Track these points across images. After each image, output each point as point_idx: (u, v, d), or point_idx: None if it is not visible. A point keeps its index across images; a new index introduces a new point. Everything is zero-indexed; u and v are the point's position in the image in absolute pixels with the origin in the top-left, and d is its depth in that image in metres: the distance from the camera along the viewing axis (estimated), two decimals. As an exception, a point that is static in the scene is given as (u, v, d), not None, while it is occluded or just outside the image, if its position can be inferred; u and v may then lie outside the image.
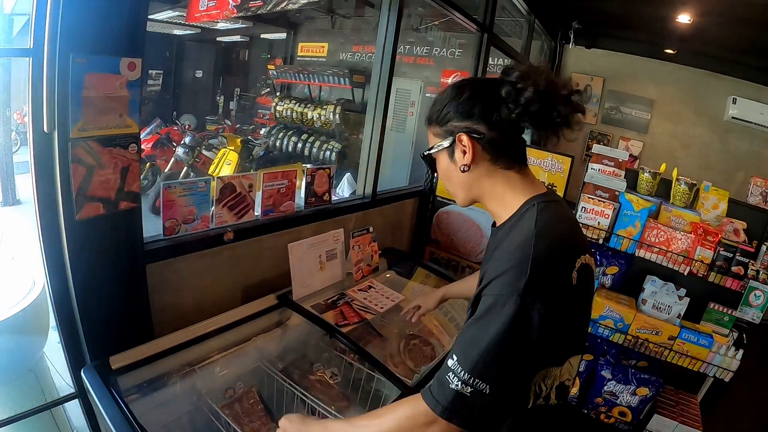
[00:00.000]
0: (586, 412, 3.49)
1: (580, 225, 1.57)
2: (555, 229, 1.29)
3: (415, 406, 1.26)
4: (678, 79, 6.71)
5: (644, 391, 3.25)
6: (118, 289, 1.95)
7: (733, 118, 6.33)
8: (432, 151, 1.46)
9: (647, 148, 7.09)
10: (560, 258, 1.25)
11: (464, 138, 1.34)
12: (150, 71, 14.87)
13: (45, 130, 1.62)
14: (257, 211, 2.59)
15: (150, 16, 11.77)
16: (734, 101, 6.29)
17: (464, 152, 1.36)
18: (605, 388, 3.38)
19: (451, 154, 1.41)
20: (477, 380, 1.15)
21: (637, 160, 6.86)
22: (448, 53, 8.82)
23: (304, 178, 2.84)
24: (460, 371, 1.17)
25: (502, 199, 1.39)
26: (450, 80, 8.00)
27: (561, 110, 1.30)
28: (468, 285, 2.37)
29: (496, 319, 1.15)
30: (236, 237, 2.43)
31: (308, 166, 2.90)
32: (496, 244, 1.36)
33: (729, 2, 4.32)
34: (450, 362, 1.20)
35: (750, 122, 6.29)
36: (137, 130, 1.83)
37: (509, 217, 1.37)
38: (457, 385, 1.17)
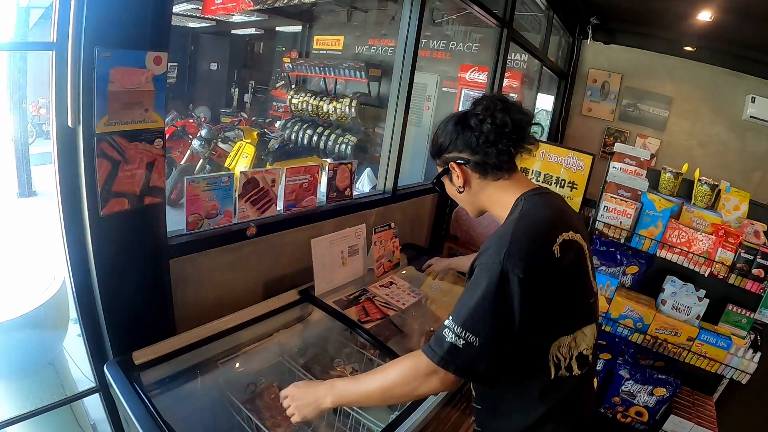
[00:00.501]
0: (602, 411, 3.48)
1: (573, 211, 1.74)
2: (535, 213, 1.51)
3: (416, 360, 1.44)
4: (696, 76, 6.59)
5: (661, 391, 3.23)
6: (141, 285, 1.94)
7: (751, 117, 6.22)
8: (437, 179, 1.74)
9: (664, 146, 6.98)
10: (538, 233, 1.45)
11: (455, 166, 1.61)
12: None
13: (69, 124, 1.61)
14: (279, 206, 2.58)
15: None
16: (753, 100, 6.19)
17: (457, 176, 1.63)
18: (623, 387, 3.36)
19: (450, 179, 1.68)
20: (467, 333, 1.34)
21: (655, 158, 6.78)
22: (465, 48, 8.71)
23: (326, 173, 2.83)
24: (454, 326, 1.36)
25: (500, 204, 1.61)
26: (468, 75, 7.98)
27: (511, 139, 1.55)
28: (469, 259, 2.59)
29: (482, 282, 1.36)
30: (258, 232, 2.41)
31: (329, 160, 2.87)
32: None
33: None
34: (446, 321, 1.39)
35: None
36: (163, 125, 1.82)
37: (507, 215, 1.59)
38: (451, 338, 1.35)
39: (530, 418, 1.51)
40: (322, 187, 2.85)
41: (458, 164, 1.61)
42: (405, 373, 1.46)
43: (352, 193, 3.02)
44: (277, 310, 2.35)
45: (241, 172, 2.30)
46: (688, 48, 6.38)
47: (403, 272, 3.09)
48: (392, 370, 1.49)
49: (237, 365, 2.19)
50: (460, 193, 1.66)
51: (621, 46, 6.97)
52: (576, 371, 1.51)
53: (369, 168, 6.70)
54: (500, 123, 1.53)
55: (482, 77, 7.64)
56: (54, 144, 1.65)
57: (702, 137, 6.71)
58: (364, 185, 5.94)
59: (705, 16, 4.89)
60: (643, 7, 5.46)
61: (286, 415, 1.64)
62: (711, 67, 6.45)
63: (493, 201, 1.63)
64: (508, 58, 4.90)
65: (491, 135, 1.53)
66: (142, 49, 1.69)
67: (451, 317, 1.38)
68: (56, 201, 1.71)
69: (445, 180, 1.71)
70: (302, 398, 1.61)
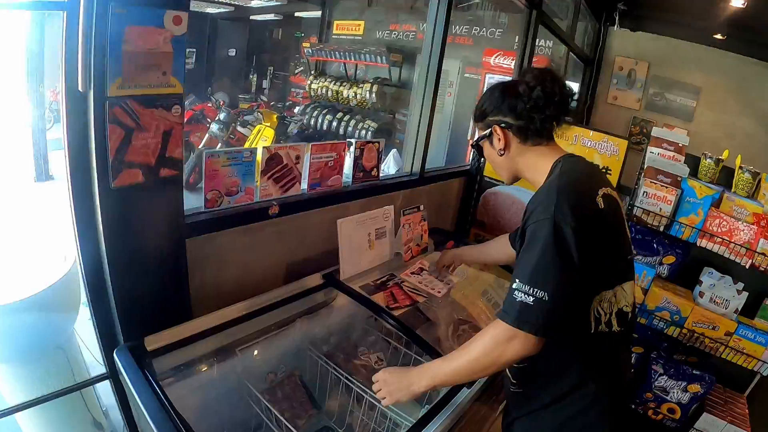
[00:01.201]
0: (633, 407, 3.35)
1: (604, 174, 1.99)
2: (575, 169, 1.59)
3: (495, 328, 1.46)
4: (725, 66, 6.37)
5: (696, 387, 3.10)
6: (155, 265, 1.81)
7: None
8: (477, 141, 1.80)
9: (691, 137, 6.61)
10: (581, 186, 1.53)
11: (497, 128, 1.68)
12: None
13: (80, 89, 1.47)
14: (303, 185, 2.44)
15: None
16: None
17: (499, 139, 1.69)
18: (656, 383, 3.24)
19: (491, 142, 1.74)
20: (535, 289, 1.37)
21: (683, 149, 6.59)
22: (489, 33, 8.58)
23: (353, 152, 2.68)
24: (521, 285, 1.39)
25: (536, 168, 1.66)
26: (492, 60, 7.83)
27: (558, 108, 1.65)
28: (485, 250, 2.60)
29: (539, 238, 1.40)
30: (281, 211, 2.27)
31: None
32: (533, 198, 1.59)
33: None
34: (513, 284, 1.42)
35: None
36: (181, 91, 1.67)
37: (544, 180, 1.62)
38: (521, 298, 1.39)
39: (572, 379, 1.57)
40: (348, 167, 2.69)
41: (501, 128, 1.68)
42: (486, 343, 1.48)
43: (379, 173, 2.87)
44: (299, 294, 2.21)
45: (264, 148, 2.16)
46: (718, 36, 6.15)
47: (431, 258, 2.92)
48: (475, 344, 1.51)
49: (256, 353, 2.07)
50: (501, 155, 1.71)
51: (648, 34, 6.77)
52: (616, 327, 1.56)
53: (395, 149, 6.56)
54: (549, 91, 1.61)
55: (508, 62, 7.49)
56: (63, 111, 1.51)
57: (729, 129, 6.49)
58: (389, 167, 5.80)
59: (738, 1, 4.67)
60: None
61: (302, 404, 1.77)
62: (740, 57, 6.23)
63: (530, 165, 1.69)
64: (537, 44, 4.74)
65: (540, 101, 1.60)
66: (161, 6, 1.54)
67: (517, 279, 1.41)
68: (65, 173, 1.58)
69: (485, 143, 1.78)
70: (395, 383, 1.67)
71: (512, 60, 6.71)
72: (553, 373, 1.60)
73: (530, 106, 1.62)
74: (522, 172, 1.74)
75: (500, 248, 2.46)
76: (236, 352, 1.96)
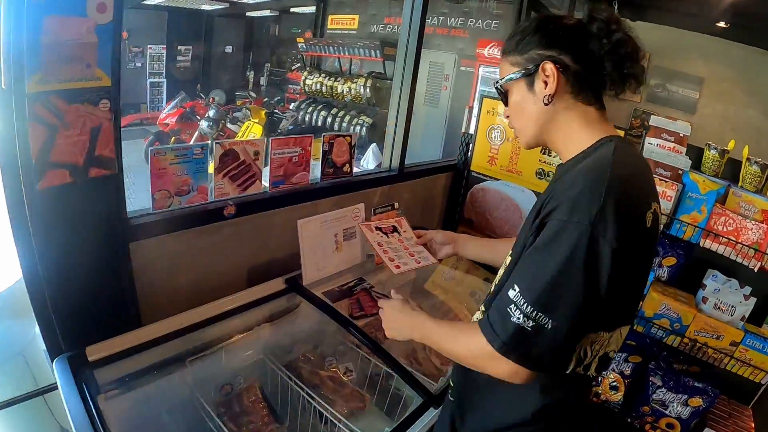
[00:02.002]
0: (629, 421, 3.15)
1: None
2: (631, 163, 1.26)
3: (476, 340, 1.20)
4: (730, 56, 6.24)
5: (697, 401, 2.89)
6: (95, 271, 1.68)
7: None
8: (508, 80, 1.37)
9: (694, 129, 6.47)
10: (636, 191, 1.19)
11: (549, 67, 1.27)
12: (179, 47, 15.07)
13: (2, 86, 1.34)
14: (265, 183, 2.29)
15: None
16: None
17: (546, 82, 1.29)
18: (654, 395, 3.03)
19: (531, 84, 1.33)
20: (540, 314, 1.09)
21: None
22: (484, 24, 8.49)
23: (321, 147, 2.53)
24: (523, 303, 1.11)
25: (576, 136, 1.33)
26: (486, 51, 7.71)
27: (635, 66, 1.30)
28: (492, 248, 2.04)
29: (563, 247, 1.09)
30: (240, 211, 2.13)
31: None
32: (560, 175, 1.31)
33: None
34: (511, 293, 1.14)
35: None
36: (109, 84, 1.53)
37: (579, 153, 1.31)
38: (518, 319, 1.11)
39: (522, 413, 1.33)
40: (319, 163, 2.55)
41: (556, 66, 1.27)
42: (471, 349, 1.24)
43: (351, 169, 2.71)
44: (259, 300, 2.07)
45: (216, 143, 2.01)
46: (721, 25, 5.98)
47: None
48: (462, 339, 1.30)
49: (211, 363, 1.93)
50: (545, 104, 1.31)
51: (649, 23, 6.62)
52: (593, 372, 1.29)
53: (374, 144, 6.42)
54: (631, 42, 1.28)
55: (502, 52, 7.34)
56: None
57: (735, 121, 6.34)
58: (368, 162, 5.65)
59: None
60: None
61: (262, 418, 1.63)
62: (745, 47, 6.10)
63: (571, 130, 1.33)
64: None
65: (621, 48, 1.26)
66: (82, -8, 1.40)
67: (517, 288, 1.13)
68: None
69: (518, 85, 1.36)
70: (394, 322, 1.56)
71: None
72: (502, 401, 1.38)
73: (607, 50, 1.26)
74: (554, 134, 1.37)
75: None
76: (186, 364, 1.83)
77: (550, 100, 1.29)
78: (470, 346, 1.24)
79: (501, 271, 1.47)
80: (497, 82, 1.42)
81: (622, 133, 1.40)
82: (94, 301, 1.71)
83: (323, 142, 2.50)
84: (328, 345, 2.29)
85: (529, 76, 1.32)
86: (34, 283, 1.58)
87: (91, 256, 1.66)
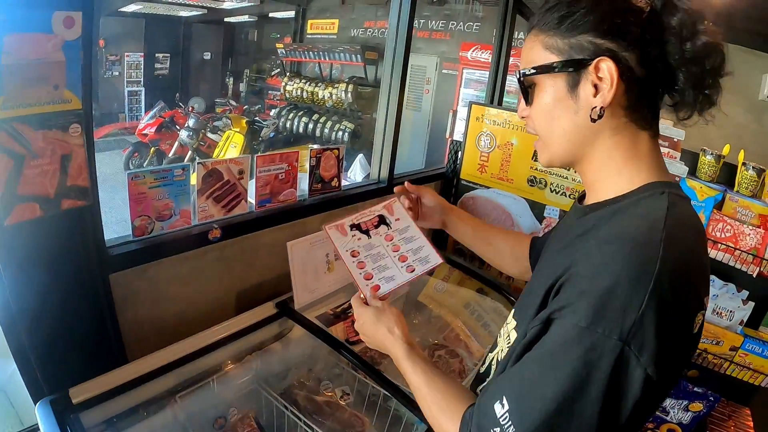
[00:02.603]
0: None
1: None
2: (691, 242, 0.91)
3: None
4: None
5: (698, 406, 2.84)
6: (74, 307, 1.57)
7: None
8: (540, 70, 1.00)
9: (678, 129, 6.59)
10: (692, 289, 0.86)
11: (607, 66, 0.92)
12: (157, 54, 15.00)
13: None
14: (251, 202, 2.18)
15: None
16: None
17: (597, 87, 0.94)
18: (654, 402, 2.97)
19: (574, 85, 0.97)
20: None
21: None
22: (466, 27, 8.46)
23: (308, 161, 2.42)
24: (509, 426, 0.83)
25: (618, 169, 1.00)
26: (470, 54, 7.66)
27: (716, 82, 1.02)
28: (481, 238, 1.74)
29: (578, 367, 0.77)
30: (225, 234, 2.02)
31: (315, 146, 2.49)
32: (585, 229, 0.98)
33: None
34: (498, 409, 0.86)
35: None
36: (80, 106, 1.40)
37: (617, 198, 0.98)
38: None
39: None
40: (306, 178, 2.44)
41: (618, 65, 0.92)
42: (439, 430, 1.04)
43: (340, 183, 2.60)
44: (250, 327, 1.96)
45: (198, 163, 1.89)
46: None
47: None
48: (435, 413, 1.06)
49: (203, 396, 1.81)
50: (597, 119, 0.95)
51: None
52: None
53: (361, 154, 6.34)
54: (721, 48, 0.99)
55: (485, 56, 7.38)
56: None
57: (717, 118, 6.28)
58: (356, 174, 5.56)
59: None
60: None
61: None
62: (725, 45, 6.11)
63: (610, 162, 1.00)
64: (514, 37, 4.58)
65: (709, 57, 0.97)
66: (48, 7, 1.28)
67: (507, 405, 0.85)
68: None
69: (553, 80, 0.99)
70: (367, 333, 1.34)
71: (490, 53, 6.57)
72: None
73: (689, 57, 0.95)
74: (585, 160, 1.04)
75: (512, 250, 1.67)
76: (177, 399, 1.72)
77: (600, 114, 0.95)
78: (441, 427, 1.04)
79: (503, 341, 1.16)
80: (521, 71, 1.03)
81: (672, 177, 1.04)
82: (75, 339, 1.60)
83: (310, 157, 2.39)
84: (322, 368, 2.18)
85: (575, 71, 0.96)
86: (8, 323, 1.46)
87: (68, 292, 1.54)
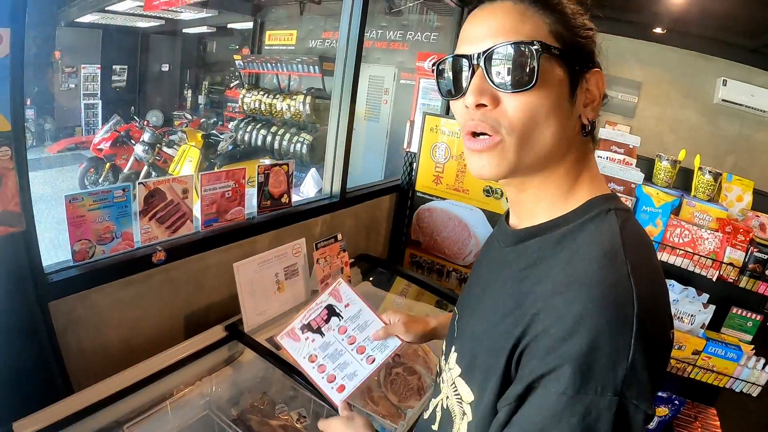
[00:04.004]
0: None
1: None
2: (649, 258, 0.83)
3: None
4: (665, 60, 6.43)
5: (664, 411, 2.90)
6: (11, 338, 1.51)
7: (723, 100, 6.09)
8: (563, 54, 0.84)
9: (634, 132, 6.61)
10: (666, 313, 0.80)
11: (600, 79, 0.88)
12: (114, 66, 14.75)
13: None
14: (196, 222, 2.12)
15: (110, 8, 11.63)
16: (724, 83, 6.06)
17: (588, 97, 0.88)
18: (619, 410, 2.99)
19: (574, 87, 0.86)
20: None
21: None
22: (423, 37, 8.49)
23: (257, 178, 2.36)
24: None
25: (570, 186, 0.91)
26: (427, 64, 7.67)
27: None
28: None
29: None
30: (170, 256, 1.95)
31: (266, 162, 2.43)
32: (530, 261, 0.88)
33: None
34: None
35: (740, 105, 6.06)
36: (9, 128, 1.35)
37: (557, 219, 0.89)
38: None
39: None
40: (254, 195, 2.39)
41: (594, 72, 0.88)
42: None
43: (290, 199, 2.54)
44: (199, 352, 1.89)
45: (139, 183, 1.83)
46: (658, 30, 6.20)
47: (360, 287, 2.65)
48: None
49: (152, 425, 1.73)
50: (588, 131, 0.91)
51: (587, 32, 6.77)
52: None
53: (314, 168, 6.25)
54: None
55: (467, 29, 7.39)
56: None
57: (672, 122, 6.53)
58: (308, 189, 5.47)
59: None
60: None
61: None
62: (679, 51, 6.28)
63: (565, 178, 0.91)
64: None
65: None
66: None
67: None
68: None
69: (562, 73, 0.85)
70: None
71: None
72: None
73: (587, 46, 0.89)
74: (545, 175, 0.90)
75: None
76: (125, 429, 1.62)
77: (591, 127, 0.91)
78: None
79: (447, 387, 1.03)
80: (524, 44, 0.82)
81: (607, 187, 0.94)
82: (15, 371, 1.54)
83: (258, 174, 2.33)
84: (277, 391, 2.11)
85: (579, 70, 0.87)
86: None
87: (5, 323, 1.49)
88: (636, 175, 2.94)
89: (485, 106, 0.85)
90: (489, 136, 0.85)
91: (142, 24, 14.66)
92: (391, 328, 1.38)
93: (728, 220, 2.77)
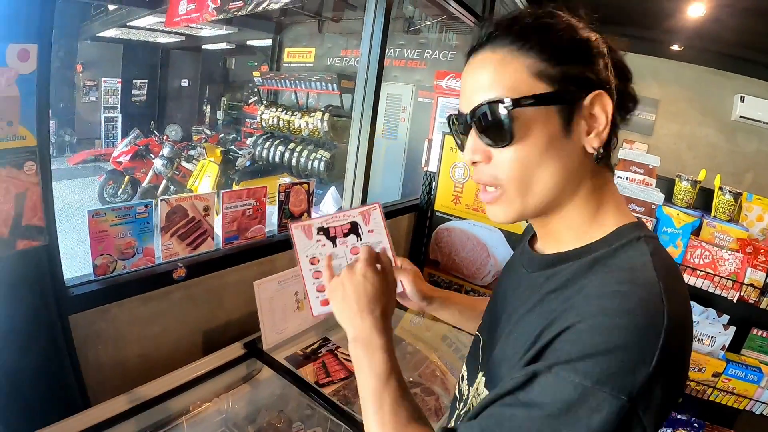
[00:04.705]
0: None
1: None
2: (680, 283, 0.82)
3: None
4: (683, 77, 6.49)
5: (684, 434, 2.85)
6: (32, 351, 1.50)
7: (740, 117, 6.12)
8: (525, 101, 0.83)
9: (652, 151, 6.68)
10: (691, 338, 0.81)
11: (605, 101, 0.84)
12: (134, 80, 14.89)
13: None
14: (217, 240, 2.12)
15: (131, 23, 11.75)
16: (742, 99, 6.08)
17: (591, 125, 0.86)
18: (639, 433, 2.96)
19: (568, 121, 0.84)
20: None
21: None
22: (441, 56, 8.50)
23: (277, 196, 2.37)
24: None
25: (592, 215, 0.91)
26: (444, 83, 7.67)
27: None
28: (468, 317, 1.51)
29: (578, 427, 0.68)
30: (190, 273, 1.95)
31: (286, 180, 2.42)
32: (558, 284, 0.87)
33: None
34: None
35: (758, 121, 6.10)
36: (35, 143, 1.35)
37: (588, 246, 0.88)
38: None
39: None
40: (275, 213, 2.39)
41: (610, 95, 0.85)
42: None
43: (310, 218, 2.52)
44: (218, 369, 1.89)
45: (161, 200, 1.84)
46: (675, 48, 6.28)
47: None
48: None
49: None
50: (598, 159, 0.88)
51: (604, 50, 6.77)
52: None
53: (333, 187, 6.25)
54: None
55: (459, 84, 7.37)
56: None
57: (690, 140, 6.58)
58: (328, 208, 5.46)
59: (698, 10, 4.67)
60: (628, 4, 5.26)
61: None
62: (697, 67, 6.35)
63: (589, 205, 0.91)
64: None
65: (626, 72, 0.92)
66: (2, 39, 1.24)
67: None
68: None
69: (541, 114, 0.84)
70: (338, 308, 1.10)
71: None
72: None
73: (626, 86, 0.91)
74: (561, 209, 0.91)
75: None
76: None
77: (600, 155, 0.87)
78: None
79: (475, 400, 1.02)
80: (503, 100, 0.84)
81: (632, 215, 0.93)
82: (35, 383, 1.53)
83: (278, 192, 2.33)
84: (293, 409, 2.08)
85: (569, 106, 0.85)
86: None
87: (26, 335, 1.48)
88: (656, 196, 2.93)
89: (480, 162, 0.90)
90: (493, 188, 0.90)
91: (163, 39, 14.81)
92: (400, 270, 1.35)
93: (749, 240, 2.75)
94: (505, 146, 0.85)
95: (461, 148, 0.97)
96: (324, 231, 1.32)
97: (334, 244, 1.31)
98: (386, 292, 1.09)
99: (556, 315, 0.79)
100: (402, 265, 1.39)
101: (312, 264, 1.29)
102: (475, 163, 0.91)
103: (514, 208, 0.90)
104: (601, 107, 0.84)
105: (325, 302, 1.25)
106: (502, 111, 0.83)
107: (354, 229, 1.34)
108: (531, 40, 0.84)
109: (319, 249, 1.30)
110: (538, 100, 0.82)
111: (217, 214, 2.06)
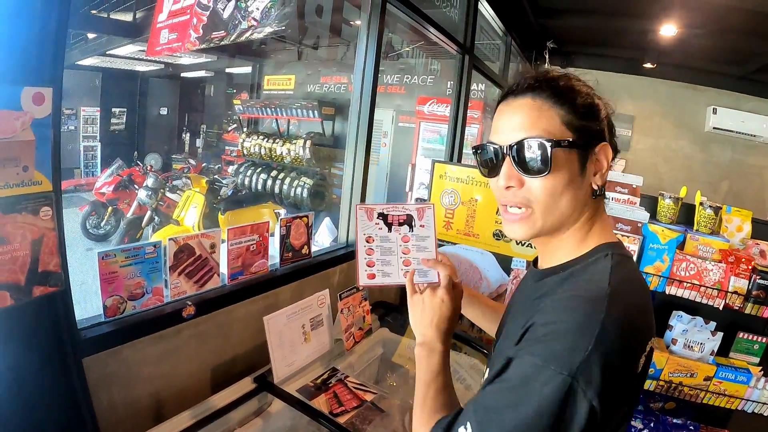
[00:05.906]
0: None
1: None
2: (633, 295, 1.05)
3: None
4: (656, 93, 6.80)
5: (679, 437, 2.97)
6: (47, 394, 1.49)
7: (714, 128, 6.49)
8: (562, 145, 1.06)
9: (630, 166, 7.02)
10: (634, 335, 0.99)
11: (607, 150, 1.12)
12: (114, 109, 14.78)
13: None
14: (223, 276, 2.13)
15: (111, 52, 11.71)
16: (714, 111, 6.45)
17: (598, 167, 1.12)
18: (637, 439, 3.11)
19: (584, 162, 1.10)
20: None
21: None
22: (420, 80, 8.58)
23: (278, 230, 2.38)
24: None
25: (583, 237, 1.15)
26: (426, 108, 7.73)
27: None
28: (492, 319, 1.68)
29: (533, 398, 0.89)
30: (198, 311, 1.95)
31: (281, 211, 2.43)
32: (543, 292, 1.12)
33: (712, 10, 4.29)
34: (461, 429, 0.99)
35: (731, 131, 6.45)
36: (50, 188, 1.36)
37: (569, 262, 1.14)
38: None
39: None
40: (275, 244, 2.40)
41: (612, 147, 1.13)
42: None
43: (310, 250, 2.57)
44: (229, 405, 1.89)
45: (170, 240, 1.85)
46: (648, 65, 6.52)
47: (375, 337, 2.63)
48: (424, 416, 1.14)
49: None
50: (597, 195, 1.13)
51: (579, 69, 6.82)
52: None
53: (327, 217, 6.26)
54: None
55: (442, 109, 7.47)
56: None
57: (666, 153, 6.89)
58: (323, 238, 5.46)
59: (669, 31, 4.92)
60: (603, 25, 5.46)
61: None
62: (669, 83, 6.69)
63: (581, 227, 1.14)
64: (472, 87, 4.74)
65: (613, 128, 1.17)
66: (16, 83, 1.25)
67: (470, 428, 0.96)
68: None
69: (569, 156, 1.07)
70: (415, 319, 1.33)
71: (447, 107, 6.68)
72: None
73: (612, 139, 1.15)
74: (562, 231, 1.14)
75: None
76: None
77: (601, 191, 1.14)
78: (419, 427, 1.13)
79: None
80: (546, 140, 1.05)
81: (615, 237, 1.19)
82: (50, 427, 1.52)
83: (280, 226, 2.36)
84: (305, 440, 2.11)
85: (585, 150, 1.09)
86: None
87: (41, 379, 1.47)
88: (642, 215, 3.10)
89: (513, 186, 1.10)
90: (521, 209, 1.12)
91: (142, 68, 14.80)
92: (440, 264, 1.43)
93: (730, 250, 2.94)
94: (541, 176, 1.06)
95: (488, 173, 1.18)
96: (383, 216, 1.51)
97: (390, 229, 1.50)
98: (453, 317, 1.31)
99: (531, 315, 1.02)
100: (442, 259, 1.49)
101: (367, 242, 1.48)
102: (508, 187, 1.11)
103: (537, 226, 1.12)
104: (604, 155, 1.11)
105: (371, 276, 1.46)
106: (545, 148, 1.05)
107: (408, 220, 1.51)
108: (564, 97, 1.08)
109: (376, 231, 1.49)
110: (570, 144, 1.06)
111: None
